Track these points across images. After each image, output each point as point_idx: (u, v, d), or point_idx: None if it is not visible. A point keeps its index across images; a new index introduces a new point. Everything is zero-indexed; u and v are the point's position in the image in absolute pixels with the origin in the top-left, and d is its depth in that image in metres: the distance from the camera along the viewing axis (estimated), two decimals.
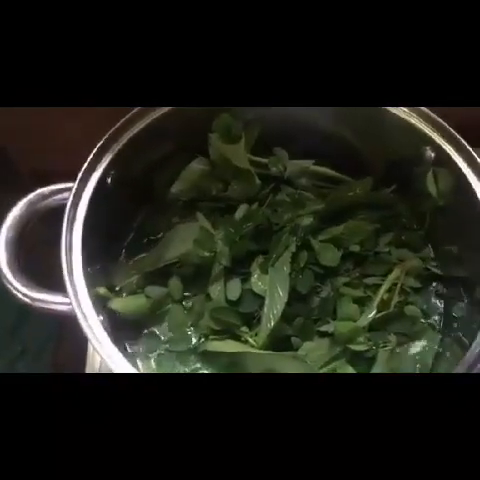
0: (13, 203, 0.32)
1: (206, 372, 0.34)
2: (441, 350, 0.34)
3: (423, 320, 0.35)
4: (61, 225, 0.31)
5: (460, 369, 0.27)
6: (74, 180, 0.32)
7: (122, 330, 0.34)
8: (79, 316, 0.28)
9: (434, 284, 0.37)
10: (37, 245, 0.35)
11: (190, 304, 0.36)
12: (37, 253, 0.35)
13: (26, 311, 0.49)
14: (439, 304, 0.36)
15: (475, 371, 0.27)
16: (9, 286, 0.29)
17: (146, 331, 0.35)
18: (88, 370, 0.39)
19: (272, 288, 0.33)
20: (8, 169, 0.49)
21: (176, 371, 0.34)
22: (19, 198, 0.33)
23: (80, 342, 0.41)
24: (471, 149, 0.32)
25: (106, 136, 0.33)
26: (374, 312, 0.33)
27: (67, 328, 0.49)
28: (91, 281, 0.30)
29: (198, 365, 0.34)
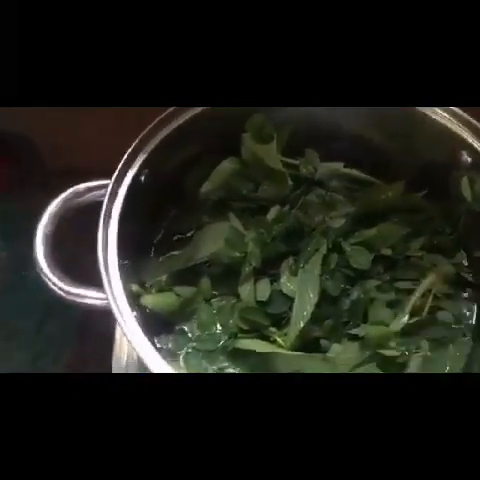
0: (45, 201, 0.33)
1: (233, 372, 0.34)
2: (472, 356, 0.33)
3: (455, 326, 0.34)
4: (93, 222, 0.32)
5: None
6: (106, 177, 0.33)
7: (152, 326, 0.35)
8: (115, 310, 0.28)
9: (466, 290, 0.36)
10: (71, 241, 0.36)
11: (219, 303, 0.36)
12: (71, 249, 0.35)
13: (52, 308, 0.50)
14: (471, 310, 0.36)
15: None
16: (45, 279, 0.30)
17: (176, 328, 0.36)
18: (115, 369, 0.39)
19: (302, 289, 0.33)
20: (39, 166, 0.50)
21: (203, 369, 0.34)
22: (50, 196, 0.33)
23: (104, 340, 0.41)
24: None
25: (140, 136, 0.34)
26: (407, 317, 0.32)
27: (91, 326, 0.50)
28: (125, 277, 0.31)
29: (225, 364, 0.34)
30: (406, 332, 0.32)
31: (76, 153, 0.46)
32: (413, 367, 0.31)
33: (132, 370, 0.39)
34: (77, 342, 0.51)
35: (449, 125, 0.34)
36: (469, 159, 0.33)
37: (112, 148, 0.33)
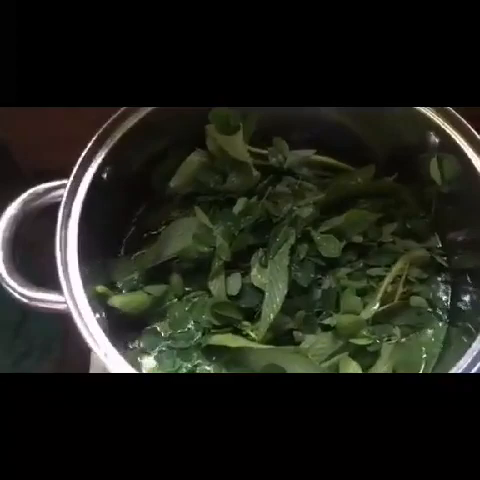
0: (2, 203, 0.32)
1: (207, 368, 0.33)
2: (448, 340, 0.33)
3: (430, 310, 0.34)
4: (55, 223, 0.31)
5: (467, 359, 0.27)
6: (67, 177, 0.32)
7: (123, 327, 0.34)
8: (74, 314, 0.27)
9: (440, 274, 0.36)
10: (34, 244, 0.35)
11: (191, 300, 0.36)
12: (34, 252, 0.35)
13: (27, 311, 0.49)
14: (446, 294, 0.35)
15: None
16: (6, 286, 0.29)
17: (148, 328, 0.35)
18: (92, 369, 0.39)
19: (272, 281, 0.33)
20: (10, 167, 0.49)
21: (177, 367, 0.33)
22: (9, 197, 0.32)
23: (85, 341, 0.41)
24: (476, 133, 0.31)
25: (100, 131, 0.33)
26: (377, 305, 0.32)
27: (72, 326, 0.49)
28: (90, 278, 0.30)
29: (199, 361, 0.34)
30: (377, 320, 0.32)
31: (43, 153, 0.45)
32: (385, 355, 0.31)
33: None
34: (58, 344, 0.50)
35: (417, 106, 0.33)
36: (437, 140, 0.33)
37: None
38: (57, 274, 0.29)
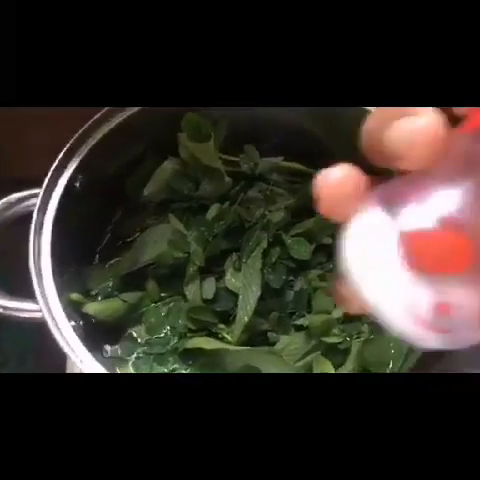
0: None
1: (184, 372, 0.34)
2: None
3: None
4: (27, 232, 0.31)
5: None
6: (41, 186, 0.32)
7: (99, 334, 0.34)
8: (49, 322, 0.28)
9: None
10: (6, 253, 0.35)
11: (167, 305, 0.36)
12: (8, 262, 0.35)
13: (2, 320, 0.49)
14: None
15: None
16: None
17: (124, 334, 0.35)
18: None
19: (245, 285, 0.33)
20: None
21: (154, 372, 0.34)
22: None
23: (60, 350, 0.41)
24: None
25: (72, 140, 0.33)
26: None
27: (47, 336, 0.49)
28: (65, 286, 0.30)
29: (176, 366, 0.34)
30: (347, 318, 0.33)
31: (11, 162, 0.44)
32: (354, 352, 0.32)
33: None
34: (33, 353, 0.50)
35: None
36: None
37: (49, 156, 0.32)
38: (31, 283, 0.30)
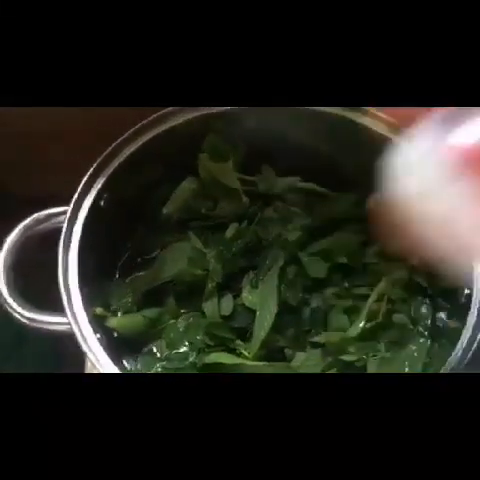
0: (6, 228, 0.33)
1: None
2: (429, 355, 0.35)
3: (411, 327, 0.36)
4: (56, 248, 0.32)
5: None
6: (65, 203, 0.33)
7: (120, 348, 0.35)
8: (77, 335, 0.29)
9: (420, 293, 0.38)
10: (34, 269, 0.36)
11: (186, 321, 0.37)
12: (34, 276, 0.36)
13: (22, 334, 0.49)
14: (426, 311, 0.37)
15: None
16: (8, 308, 0.30)
17: (144, 349, 0.36)
18: None
19: (262, 301, 0.34)
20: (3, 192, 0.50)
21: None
22: (12, 223, 0.34)
23: (77, 365, 0.42)
24: None
25: (98, 160, 0.35)
26: (363, 322, 0.34)
27: (63, 352, 0.50)
28: (87, 301, 0.31)
29: None
30: (363, 336, 0.34)
31: (39, 178, 0.46)
32: (371, 370, 0.32)
33: None
34: (49, 369, 0.50)
35: (393, 137, 0.35)
36: None
37: (66, 174, 0.34)
38: (58, 298, 0.31)
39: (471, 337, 0.29)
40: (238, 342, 0.35)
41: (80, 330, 0.29)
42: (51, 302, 0.32)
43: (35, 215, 0.34)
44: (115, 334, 0.35)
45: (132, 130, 0.35)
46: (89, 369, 0.40)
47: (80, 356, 0.40)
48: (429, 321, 0.37)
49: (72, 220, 0.33)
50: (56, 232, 0.33)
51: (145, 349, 0.36)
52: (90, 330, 0.29)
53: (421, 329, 0.36)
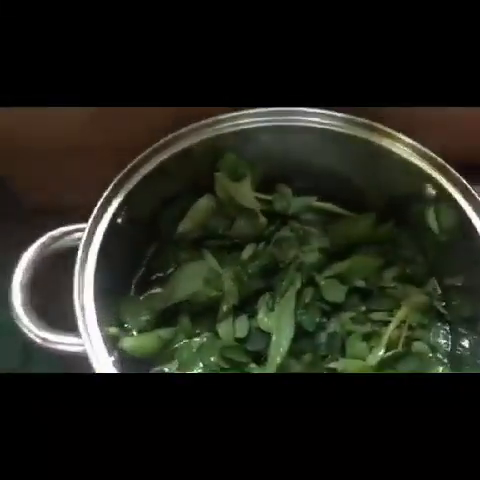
0: (21, 244, 0.33)
1: None
2: None
3: (431, 355, 0.35)
4: (71, 266, 0.32)
5: None
6: (80, 220, 0.33)
7: (131, 368, 0.35)
8: (92, 358, 0.28)
9: (440, 319, 0.37)
10: (48, 287, 0.36)
11: (200, 342, 0.36)
12: (48, 295, 0.35)
13: (30, 354, 0.49)
14: (446, 339, 0.36)
15: None
16: (23, 327, 0.30)
17: (156, 369, 0.36)
18: None
19: (278, 325, 0.34)
20: (11, 203, 0.50)
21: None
22: (27, 239, 0.33)
23: None
24: (470, 187, 0.33)
25: (117, 178, 0.34)
26: (383, 351, 0.33)
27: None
28: (102, 319, 0.31)
29: None
30: (382, 366, 0.33)
31: (55, 194, 0.46)
32: None
33: None
34: None
35: (413, 160, 0.35)
36: (433, 192, 0.35)
37: (91, 189, 0.34)
38: (72, 316, 0.30)
39: None
40: (252, 365, 0.34)
41: (95, 354, 0.28)
42: (65, 321, 0.31)
43: (50, 233, 0.33)
44: (126, 355, 0.34)
45: (150, 149, 0.35)
46: None
47: None
48: (449, 349, 0.36)
49: (90, 237, 0.32)
50: (70, 250, 0.33)
51: (157, 369, 0.36)
52: (105, 352, 0.29)
53: (440, 357, 0.36)
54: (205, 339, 0.36)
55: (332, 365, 0.33)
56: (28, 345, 0.32)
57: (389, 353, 0.33)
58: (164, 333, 0.36)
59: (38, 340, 0.30)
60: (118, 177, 0.34)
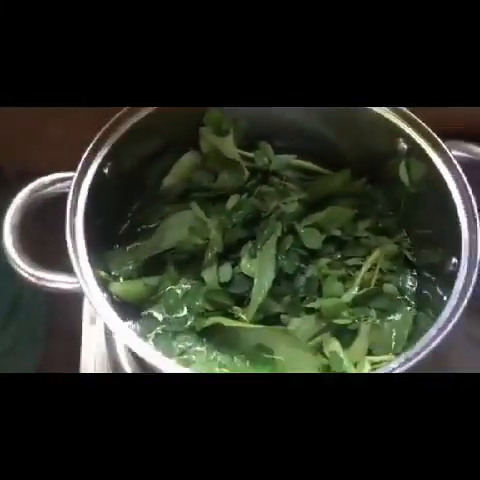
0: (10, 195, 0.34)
1: (199, 349, 0.36)
2: (415, 323, 0.37)
3: (399, 297, 0.38)
4: (60, 213, 0.33)
5: (421, 343, 0.29)
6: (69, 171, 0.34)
7: (119, 311, 0.36)
8: (86, 292, 0.30)
9: (408, 266, 0.40)
10: (39, 232, 0.37)
11: (185, 288, 0.38)
12: (39, 239, 0.36)
13: (18, 304, 0.50)
14: (413, 283, 0.39)
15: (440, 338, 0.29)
16: (15, 267, 0.31)
17: (144, 313, 0.37)
18: (82, 370, 0.40)
19: (260, 269, 0.36)
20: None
21: (172, 349, 0.36)
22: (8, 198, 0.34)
23: (73, 331, 0.42)
24: (441, 140, 0.36)
25: (103, 129, 0.35)
26: (356, 289, 0.36)
27: (59, 318, 0.51)
28: (93, 264, 0.32)
29: (192, 343, 0.36)
30: (356, 302, 0.36)
31: (28, 156, 0.46)
32: (363, 333, 0.35)
33: (100, 370, 0.40)
34: (45, 341, 0.51)
35: (387, 116, 0.37)
36: (405, 146, 0.37)
37: (65, 150, 0.34)
38: (61, 259, 0.31)
39: (458, 303, 0.31)
40: (236, 308, 0.36)
41: (89, 289, 0.30)
42: (56, 263, 0.32)
43: (40, 179, 0.34)
44: (114, 298, 0.36)
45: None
46: (85, 347, 0.41)
47: (75, 332, 0.42)
48: (416, 291, 0.39)
49: (78, 184, 0.33)
50: (60, 197, 0.34)
51: (145, 312, 0.37)
52: (98, 290, 0.30)
53: (408, 299, 0.39)
54: (190, 286, 0.38)
55: (310, 305, 0.36)
56: (15, 299, 0.33)
57: (362, 291, 0.36)
58: (150, 280, 0.37)
59: (31, 278, 0.31)
60: (104, 128, 0.35)
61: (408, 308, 0.38)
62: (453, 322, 0.30)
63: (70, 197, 0.33)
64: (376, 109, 0.37)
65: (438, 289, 0.36)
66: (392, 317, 0.37)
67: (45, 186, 0.35)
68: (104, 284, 0.34)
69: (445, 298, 0.32)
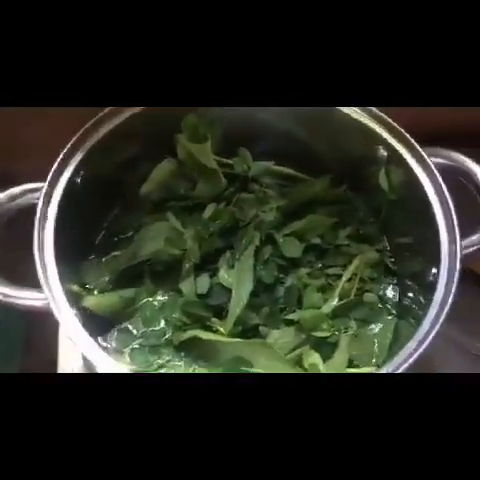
0: None
1: (178, 363, 0.35)
2: (397, 333, 0.36)
3: (380, 306, 0.38)
4: (30, 225, 0.32)
5: (402, 355, 0.29)
6: (43, 180, 0.33)
7: (94, 326, 0.35)
8: (54, 310, 0.28)
9: (389, 274, 0.39)
10: (8, 245, 0.35)
11: (162, 299, 0.37)
12: (8, 253, 0.35)
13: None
14: (394, 291, 0.39)
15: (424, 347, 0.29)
16: None
17: (119, 327, 0.36)
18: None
19: (238, 280, 0.35)
20: None
21: (149, 364, 0.35)
22: None
23: (50, 347, 0.41)
24: (419, 147, 0.35)
25: (75, 137, 0.34)
26: (336, 300, 0.35)
27: (35, 333, 0.49)
28: (65, 278, 0.31)
29: (170, 357, 0.35)
30: (336, 314, 0.35)
31: (9, 157, 0.45)
32: (343, 345, 0.34)
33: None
34: (20, 350, 0.50)
35: (366, 122, 0.37)
36: (385, 153, 0.37)
37: (47, 152, 0.33)
38: (32, 274, 0.30)
39: (437, 313, 0.30)
40: (214, 319, 0.35)
41: (57, 306, 0.29)
42: (25, 279, 0.31)
43: (9, 191, 0.33)
44: (88, 312, 0.35)
45: (110, 108, 0.35)
46: (62, 359, 0.40)
47: (51, 346, 0.40)
48: (397, 300, 0.38)
49: (48, 196, 0.32)
50: (32, 208, 0.33)
51: (120, 326, 0.36)
52: (67, 306, 0.29)
53: (389, 307, 0.38)
54: (167, 297, 0.37)
55: (289, 317, 0.35)
56: None
57: (342, 302, 0.35)
58: (125, 293, 0.36)
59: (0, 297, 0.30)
60: (77, 135, 0.34)
61: (389, 317, 0.37)
62: (433, 334, 0.29)
63: (39, 209, 0.32)
64: (353, 114, 0.37)
65: (420, 297, 0.36)
66: (373, 327, 0.36)
67: (15, 197, 0.33)
68: (76, 299, 0.33)
69: (426, 307, 0.31)
